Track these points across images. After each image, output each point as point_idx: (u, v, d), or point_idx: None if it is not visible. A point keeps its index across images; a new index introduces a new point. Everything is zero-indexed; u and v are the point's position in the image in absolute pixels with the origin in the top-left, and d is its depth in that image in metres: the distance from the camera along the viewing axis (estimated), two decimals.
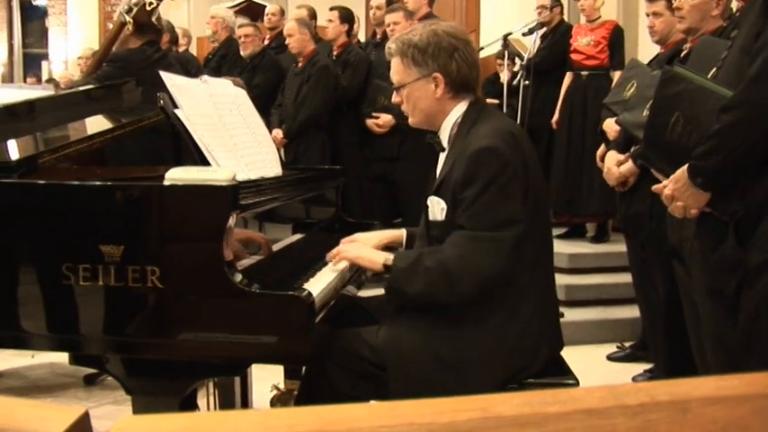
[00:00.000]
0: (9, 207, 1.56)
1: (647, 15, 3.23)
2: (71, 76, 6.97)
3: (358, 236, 1.94)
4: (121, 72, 2.67)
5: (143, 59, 2.74)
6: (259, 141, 2.03)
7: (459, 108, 1.76)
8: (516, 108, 4.24)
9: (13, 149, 1.89)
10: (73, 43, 9.59)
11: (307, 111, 4.30)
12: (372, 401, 1.73)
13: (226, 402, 2.17)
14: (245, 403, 2.22)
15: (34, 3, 10.76)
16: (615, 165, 2.89)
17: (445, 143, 1.77)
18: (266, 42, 5.25)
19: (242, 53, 4.92)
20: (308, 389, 1.78)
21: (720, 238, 1.67)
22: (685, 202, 1.71)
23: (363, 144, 4.46)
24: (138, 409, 1.54)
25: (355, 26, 5.00)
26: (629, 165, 2.84)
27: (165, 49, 3.66)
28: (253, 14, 6.36)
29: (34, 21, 10.61)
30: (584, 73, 4.54)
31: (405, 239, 1.95)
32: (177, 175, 1.51)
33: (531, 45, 4.38)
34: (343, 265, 1.83)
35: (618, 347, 3.64)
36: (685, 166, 1.69)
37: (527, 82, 4.28)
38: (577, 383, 1.70)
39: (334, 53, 4.68)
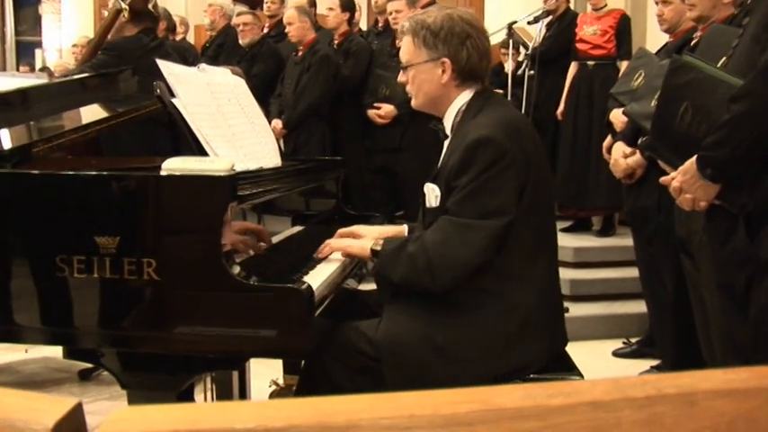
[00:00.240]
0: (2, 197, 1.54)
1: (656, 3, 3.18)
2: (66, 64, 6.89)
3: (358, 228, 1.91)
4: (117, 60, 2.63)
5: (139, 47, 2.70)
6: (258, 131, 2.00)
7: (465, 96, 1.73)
8: (521, 98, 4.17)
9: (6, 139, 1.86)
10: (67, 31, 9.43)
11: (307, 101, 4.25)
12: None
13: (223, 398, 2.15)
14: (244, 398, 2.20)
15: None
16: (622, 156, 2.86)
17: (449, 130, 1.75)
18: (265, 31, 5.19)
19: (241, 42, 4.85)
20: (307, 384, 1.76)
21: (730, 231, 1.64)
22: (694, 194, 1.68)
23: (365, 135, 4.41)
24: (133, 404, 1.51)
25: (357, 14, 4.95)
26: (637, 156, 2.80)
27: (162, 38, 3.60)
28: (251, 2, 6.31)
29: (27, 8, 10.33)
30: (591, 63, 4.45)
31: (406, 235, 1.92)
32: (174, 165, 1.49)
33: (536, 34, 4.30)
34: (338, 255, 1.80)
35: (624, 343, 3.58)
36: (694, 158, 1.66)
37: (532, 72, 4.20)
38: (582, 379, 1.68)
39: (336, 42, 4.63)
